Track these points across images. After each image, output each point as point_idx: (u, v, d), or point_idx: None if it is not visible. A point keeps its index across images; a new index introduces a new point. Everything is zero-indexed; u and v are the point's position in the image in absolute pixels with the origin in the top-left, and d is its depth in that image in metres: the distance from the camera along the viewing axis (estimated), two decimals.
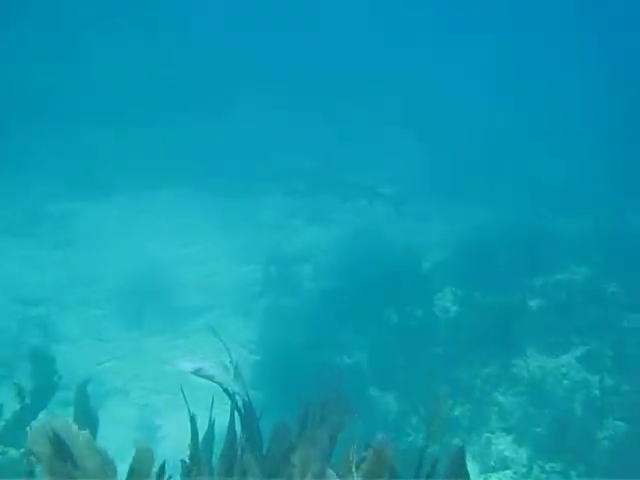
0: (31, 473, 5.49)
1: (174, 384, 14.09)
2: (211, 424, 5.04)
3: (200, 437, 4.89)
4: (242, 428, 4.82)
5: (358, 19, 30.76)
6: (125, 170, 20.82)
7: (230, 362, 4.89)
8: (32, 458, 3.38)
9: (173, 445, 12.53)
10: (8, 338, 14.21)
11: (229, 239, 19.00)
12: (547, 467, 9.49)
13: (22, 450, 7.16)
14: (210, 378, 5.14)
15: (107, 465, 3.36)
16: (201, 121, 23.53)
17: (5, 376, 13.29)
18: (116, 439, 12.14)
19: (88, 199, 19.79)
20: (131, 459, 3.73)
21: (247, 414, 4.73)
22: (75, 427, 3.42)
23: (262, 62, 27.33)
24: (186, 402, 4.61)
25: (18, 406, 5.47)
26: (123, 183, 20.48)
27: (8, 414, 8.11)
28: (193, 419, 5.21)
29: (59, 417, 3.48)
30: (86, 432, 3.44)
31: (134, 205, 19.94)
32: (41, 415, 8.64)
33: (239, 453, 4.30)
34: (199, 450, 3.87)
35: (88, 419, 6.56)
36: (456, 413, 10.66)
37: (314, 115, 25.25)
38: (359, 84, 27.95)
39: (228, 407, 6.36)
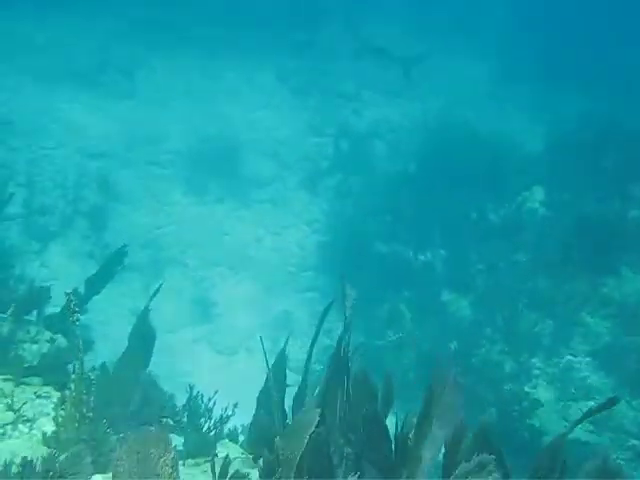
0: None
1: (232, 256, 13.58)
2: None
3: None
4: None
5: None
6: (199, 21, 19.46)
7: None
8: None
9: (227, 324, 12.11)
10: (67, 193, 13.63)
11: (299, 104, 17.85)
12: (635, 404, 8.67)
13: (73, 340, 6.55)
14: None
15: None
16: None
17: (59, 234, 12.85)
18: (170, 313, 11.71)
19: (157, 48, 18.62)
20: None
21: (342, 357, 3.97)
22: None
23: None
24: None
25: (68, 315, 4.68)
26: (195, 35, 19.18)
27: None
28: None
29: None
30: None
31: (204, 60, 18.72)
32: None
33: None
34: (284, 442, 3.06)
35: (144, 345, 5.85)
36: (535, 329, 9.79)
37: None
38: None
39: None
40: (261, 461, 3.71)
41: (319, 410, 3.33)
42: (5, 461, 4.12)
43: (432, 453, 3.35)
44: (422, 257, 11.75)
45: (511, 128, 16.30)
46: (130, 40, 18.70)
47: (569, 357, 9.37)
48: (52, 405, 5.11)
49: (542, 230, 11.36)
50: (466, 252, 11.47)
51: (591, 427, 8.39)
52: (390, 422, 3.98)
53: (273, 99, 17.82)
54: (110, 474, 3.00)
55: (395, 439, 3.68)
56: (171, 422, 5.62)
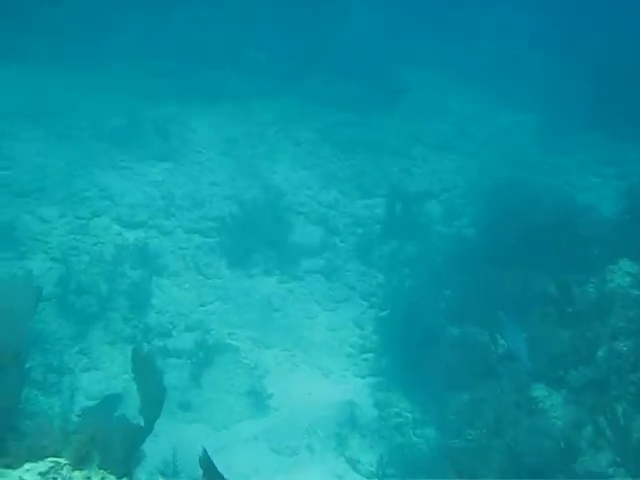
0: None
1: (285, 337, 12.48)
2: None
3: None
4: None
5: None
6: (233, 75, 18.64)
7: None
8: None
9: (285, 418, 10.96)
10: (105, 269, 12.60)
11: (344, 162, 16.87)
12: None
13: None
14: None
15: None
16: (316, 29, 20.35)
17: (98, 316, 11.81)
18: (222, 407, 10.58)
19: (192, 104, 17.77)
20: None
21: None
22: None
23: None
24: None
25: None
26: (231, 89, 18.34)
27: None
28: None
29: None
30: None
31: (242, 115, 17.84)
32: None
33: None
34: None
35: None
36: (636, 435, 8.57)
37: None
38: None
39: None
40: None
41: None
42: None
43: None
44: (501, 342, 10.56)
45: (574, 184, 15.32)
46: (163, 97, 17.88)
47: None
48: None
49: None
50: (552, 336, 10.27)
51: None
52: None
53: (316, 157, 16.85)
54: None
55: None
56: None
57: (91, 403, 10.48)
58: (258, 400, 11.03)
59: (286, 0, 19.71)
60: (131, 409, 7.61)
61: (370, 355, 12.14)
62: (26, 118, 15.79)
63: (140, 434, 6.40)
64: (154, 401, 7.03)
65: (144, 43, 18.97)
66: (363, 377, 11.80)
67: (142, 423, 6.69)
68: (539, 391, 9.64)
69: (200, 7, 19.70)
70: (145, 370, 7.44)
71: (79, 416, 6.87)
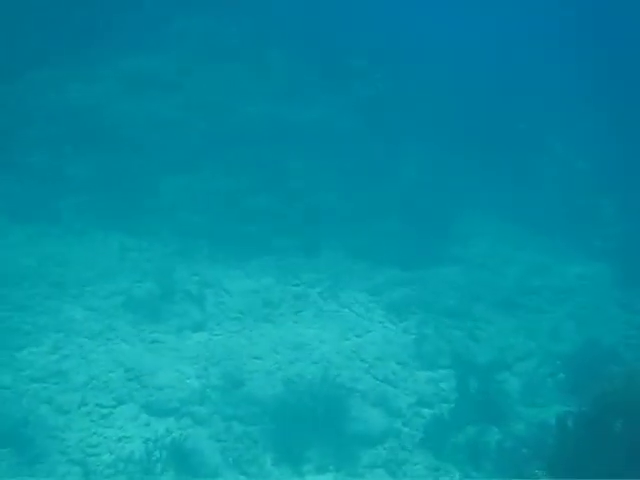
0: None
1: None
2: None
3: None
4: None
5: None
6: (274, 231, 17.23)
7: None
8: None
9: None
10: (131, 472, 10.59)
11: (399, 327, 15.03)
12: None
13: None
14: None
15: None
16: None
17: None
18: None
19: (222, 261, 16.22)
20: None
21: None
22: None
23: None
24: None
25: None
26: (265, 245, 16.90)
27: None
28: None
29: None
30: None
31: (284, 276, 16.19)
32: None
33: None
34: None
35: None
36: None
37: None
38: None
39: None
40: None
41: None
42: None
43: None
44: None
45: None
46: (196, 255, 16.39)
47: None
48: None
49: None
50: None
51: None
52: None
53: (369, 321, 15.01)
54: None
55: None
56: None
57: None
58: None
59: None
60: None
61: None
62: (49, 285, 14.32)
63: None
64: None
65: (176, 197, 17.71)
66: None
67: None
68: None
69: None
70: None
71: None
